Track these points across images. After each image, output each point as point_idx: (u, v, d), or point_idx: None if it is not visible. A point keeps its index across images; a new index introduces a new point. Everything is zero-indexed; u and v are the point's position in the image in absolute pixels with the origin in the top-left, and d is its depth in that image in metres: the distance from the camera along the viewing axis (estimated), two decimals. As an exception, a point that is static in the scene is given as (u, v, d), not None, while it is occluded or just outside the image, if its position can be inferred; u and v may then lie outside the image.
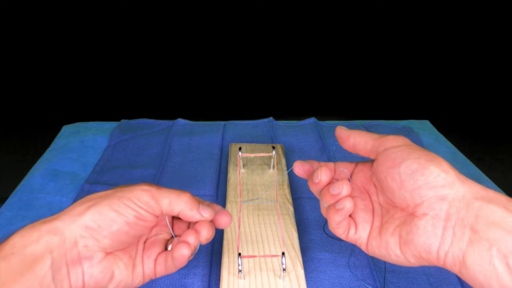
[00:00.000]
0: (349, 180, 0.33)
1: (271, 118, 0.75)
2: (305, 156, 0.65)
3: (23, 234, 0.27)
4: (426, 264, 0.28)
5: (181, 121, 0.74)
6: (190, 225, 0.35)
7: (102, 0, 1.55)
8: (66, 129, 0.74)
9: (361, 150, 0.33)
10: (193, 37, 1.65)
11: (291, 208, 0.49)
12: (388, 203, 0.31)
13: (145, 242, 0.33)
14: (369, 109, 1.61)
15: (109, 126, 0.73)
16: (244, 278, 0.39)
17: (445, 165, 0.28)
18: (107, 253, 0.30)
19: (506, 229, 0.24)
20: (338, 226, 0.32)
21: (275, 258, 0.41)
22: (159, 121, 0.75)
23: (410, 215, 0.29)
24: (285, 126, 0.74)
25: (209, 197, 0.55)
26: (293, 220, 0.47)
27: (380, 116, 0.80)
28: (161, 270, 0.32)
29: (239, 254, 0.38)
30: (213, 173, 0.59)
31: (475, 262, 0.25)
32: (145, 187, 0.31)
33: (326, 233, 0.49)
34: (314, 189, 0.34)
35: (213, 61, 1.69)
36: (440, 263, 0.27)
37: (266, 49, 1.68)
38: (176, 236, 0.34)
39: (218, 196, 0.55)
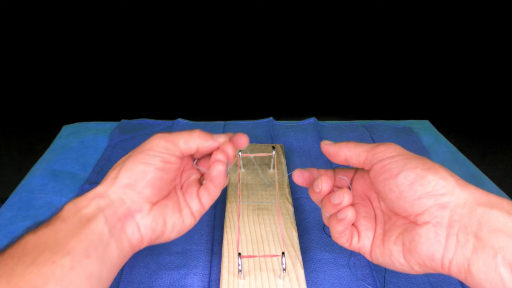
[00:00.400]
0: (349, 188, 0.32)
1: (271, 118, 0.75)
2: (305, 156, 0.65)
3: (75, 202, 0.30)
4: (431, 271, 0.28)
5: (181, 121, 0.74)
6: None
7: (102, 0, 1.55)
8: (66, 129, 0.74)
9: (354, 163, 0.32)
10: (193, 37, 1.65)
11: (291, 208, 0.49)
12: (389, 210, 0.31)
13: (181, 188, 0.36)
14: (369, 109, 1.61)
15: (109, 126, 0.73)
16: (244, 278, 0.39)
17: (443, 172, 0.28)
18: (153, 204, 0.33)
19: (510, 235, 0.24)
20: (341, 235, 0.32)
21: (275, 258, 0.41)
22: (159, 121, 0.75)
23: (412, 223, 0.28)
24: (285, 126, 0.74)
25: (209, 197, 0.55)
26: (293, 220, 0.47)
27: (380, 116, 0.80)
28: (206, 200, 0.35)
29: (239, 254, 0.38)
30: (213, 173, 0.59)
31: (480, 270, 0.24)
32: (158, 135, 0.34)
33: (326, 233, 0.49)
34: (315, 198, 0.34)
35: (213, 61, 1.69)
36: (445, 271, 0.27)
37: (266, 49, 1.68)
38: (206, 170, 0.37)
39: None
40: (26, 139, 1.49)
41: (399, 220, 0.30)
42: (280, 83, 1.70)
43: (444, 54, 1.70)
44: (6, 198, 0.57)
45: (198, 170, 0.38)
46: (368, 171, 0.31)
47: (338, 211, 0.31)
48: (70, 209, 0.30)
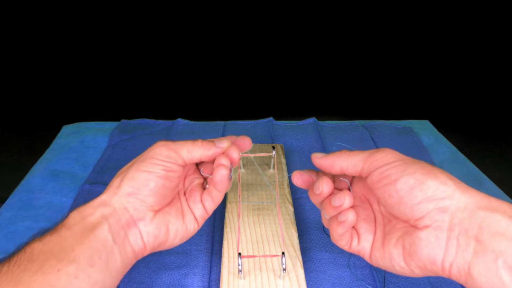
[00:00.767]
0: (349, 190, 0.32)
1: (271, 118, 0.75)
2: (305, 157, 0.65)
3: (79, 210, 0.31)
4: (432, 275, 0.28)
5: (181, 121, 0.74)
6: None
7: (102, 0, 1.55)
8: (66, 129, 0.74)
9: (351, 173, 0.32)
10: (193, 37, 1.65)
11: (291, 208, 0.49)
12: (389, 213, 0.31)
13: (185, 194, 0.36)
14: (369, 109, 1.61)
15: (109, 126, 0.73)
16: (244, 278, 0.39)
17: (443, 176, 0.27)
18: (156, 211, 0.33)
19: (511, 239, 0.24)
20: (341, 238, 0.32)
21: (275, 258, 0.41)
22: (159, 121, 0.75)
23: (412, 226, 0.28)
24: (285, 126, 0.74)
25: (209, 197, 0.55)
26: (293, 220, 0.47)
27: (380, 116, 0.80)
28: (210, 205, 0.36)
29: (239, 254, 0.38)
30: (213, 173, 0.59)
31: (481, 274, 0.24)
32: (161, 143, 0.34)
33: (326, 233, 0.48)
34: (315, 200, 0.34)
35: (213, 61, 1.69)
36: (445, 274, 0.27)
37: (266, 49, 1.68)
38: (209, 174, 0.37)
39: (218, 196, 0.55)
40: (26, 139, 1.49)
41: (399, 223, 0.30)
42: (280, 83, 1.70)
43: (444, 54, 1.70)
44: (6, 198, 0.57)
45: (201, 174, 0.38)
46: (365, 178, 0.31)
47: (339, 213, 0.31)
48: (75, 217, 0.30)
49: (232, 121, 0.75)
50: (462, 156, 0.68)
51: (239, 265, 0.38)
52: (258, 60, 1.69)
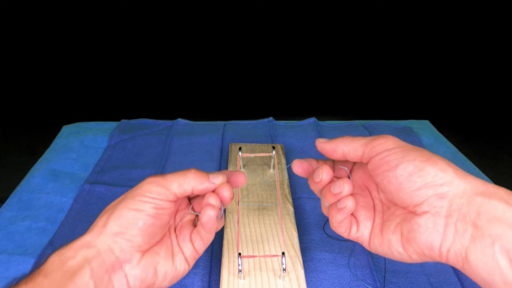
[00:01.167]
0: (349, 178, 0.32)
1: (271, 118, 0.75)
2: (305, 156, 0.64)
3: (60, 253, 0.28)
4: (429, 260, 0.28)
5: (181, 121, 0.74)
6: None
7: (102, 0, 1.55)
8: (66, 129, 0.74)
9: (352, 158, 0.32)
10: (193, 37, 1.65)
11: (291, 208, 0.49)
12: (388, 200, 0.31)
13: (175, 231, 0.34)
14: (369, 109, 1.61)
15: (109, 126, 0.73)
16: (244, 278, 0.39)
17: (442, 163, 0.28)
18: (144, 252, 0.31)
19: (508, 224, 0.24)
20: (340, 225, 0.32)
21: (275, 258, 0.41)
22: (159, 121, 0.75)
23: (410, 212, 0.29)
24: (285, 126, 0.74)
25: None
26: (293, 220, 0.47)
27: (380, 116, 0.80)
28: (199, 245, 0.33)
29: (239, 254, 0.38)
30: (213, 173, 0.59)
31: (478, 259, 0.25)
32: (150, 180, 0.32)
33: (326, 233, 0.49)
34: (315, 188, 0.34)
35: (213, 61, 1.69)
36: (443, 260, 0.27)
37: (266, 49, 1.68)
38: (198, 212, 0.35)
39: (218, 196, 0.55)
40: (26, 139, 1.49)
41: (398, 210, 0.30)
42: (280, 83, 1.70)
43: (444, 54, 1.70)
44: (6, 198, 0.57)
45: (191, 212, 0.35)
46: (366, 164, 0.31)
47: (338, 200, 0.31)
48: (54, 261, 0.28)
49: (232, 121, 0.75)
50: (462, 156, 0.68)
51: (239, 265, 0.38)
52: (258, 60, 1.69)
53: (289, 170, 0.59)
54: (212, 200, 0.32)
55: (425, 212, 0.27)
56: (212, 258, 0.45)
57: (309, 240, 0.47)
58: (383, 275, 0.43)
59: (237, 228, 0.45)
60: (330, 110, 1.53)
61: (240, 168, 0.56)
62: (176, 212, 0.35)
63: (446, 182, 0.27)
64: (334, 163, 0.36)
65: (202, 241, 0.33)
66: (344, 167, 0.35)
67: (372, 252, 0.32)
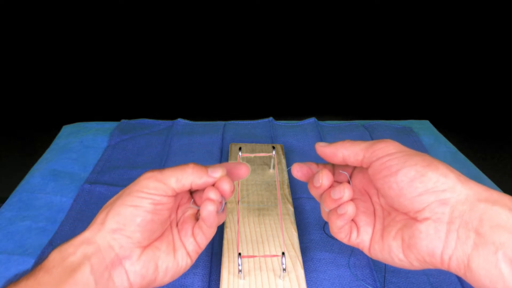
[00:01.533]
0: (349, 183, 0.32)
1: (271, 118, 0.75)
2: (305, 156, 0.65)
3: (60, 250, 0.28)
4: (430, 267, 0.28)
5: (181, 121, 0.74)
6: None
7: (102, 0, 1.55)
8: (66, 129, 0.74)
9: (352, 162, 0.32)
10: (193, 37, 1.65)
11: (291, 208, 0.49)
12: (389, 206, 0.31)
13: (177, 225, 0.34)
14: (369, 109, 1.61)
15: (109, 126, 0.73)
16: (244, 278, 0.39)
17: (443, 168, 0.27)
18: (144, 247, 0.31)
19: (511, 231, 0.24)
20: (340, 231, 0.32)
21: (275, 258, 0.41)
22: (159, 121, 0.75)
23: (411, 219, 0.28)
24: (285, 126, 0.74)
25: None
26: (293, 220, 0.47)
27: (380, 116, 0.80)
28: (201, 239, 0.33)
29: (239, 254, 0.39)
30: (213, 173, 0.59)
31: (480, 266, 0.24)
32: (148, 175, 0.31)
33: (326, 233, 0.49)
34: (315, 192, 0.34)
35: (213, 61, 1.68)
36: (444, 267, 0.27)
37: (266, 49, 1.68)
38: (199, 206, 0.34)
39: (218, 196, 0.55)
40: (26, 139, 1.49)
41: (399, 216, 0.30)
42: (280, 83, 1.70)
43: (444, 54, 1.70)
44: (6, 198, 0.57)
45: (191, 206, 0.35)
46: (366, 168, 0.31)
47: (338, 206, 0.31)
48: (55, 258, 0.28)
49: (232, 121, 0.75)
50: (462, 156, 0.68)
51: (239, 265, 0.38)
52: (258, 60, 1.69)
53: (289, 170, 0.59)
54: (212, 194, 0.31)
55: (426, 219, 0.27)
56: (212, 258, 0.45)
57: (309, 240, 0.47)
58: (383, 275, 0.43)
59: (237, 228, 0.45)
60: (330, 110, 1.53)
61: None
62: (178, 206, 0.34)
63: (448, 188, 0.26)
64: (334, 167, 0.35)
65: (204, 236, 0.33)
66: (344, 172, 0.34)
67: (373, 258, 0.32)
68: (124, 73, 1.67)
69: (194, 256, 0.33)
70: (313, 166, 0.35)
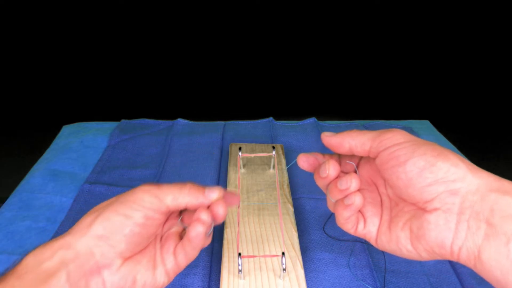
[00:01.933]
0: (356, 173, 0.31)
1: (271, 118, 0.75)
2: (305, 156, 0.65)
3: (36, 253, 0.27)
4: (439, 258, 0.27)
5: (181, 121, 0.74)
6: None
7: (102, 0, 1.55)
8: (66, 129, 0.74)
9: (359, 152, 0.31)
10: (193, 37, 1.65)
11: (291, 208, 0.49)
12: (396, 196, 0.30)
13: (161, 240, 0.33)
14: (369, 109, 1.61)
15: (109, 126, 0.73)
16: (244, 278, 0.39)
17: (454, 158, 0.27)
18: (126, 259, 0.30)
19: None
20: (347, 221, 0.31)
21: (275, 258, 0.41)
22: (159, 121, 0.75)
23: (420, 209, 0.28)
24: (285, 126, 0.74)
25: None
26: (293, 220, 0.47)
27: (380, 116, 0.80)
28: (182, 260, 0.32)
29: (239, 254, 0.39)
30: (213, 173, 0.59)
31: (491, 257, 0.24)
32: (145, 188, 0.30)
33: (326, 233, 0.48)
34: (321, 183, 0.33)
35: (213, 61, 1.68)
36: (454, 258, 0.26)
37: (266, 49, 1.68)
38: (187, 224, 0.33)
39: (218, 196, 0.55)
40: (26, 139, 1.49)
41: (407, 206, 0.29)
42: (280, 83, 1.70)
43: (444, 54, 1.70)
44: (6, 198, 0.57)
45: (179, 223, 0.34)
46: (373, 158, 0.30)
47: (345, 196, 0.30)
48: (29, 262, 0.26)
49: (232, 121, 0.75)
50: (462, 156, 0.68)
51: (239, 265, 0.38)
52: (258, 60, 1.69)
53: (289, 170, 0.59)
54: (204, 215, 0.31)
55: (436, 209, 0.26)
56: (212, 258, 0.45)
57: (309, 240, 0.47)
58: (383, 275, 0.43)
59: (237, 228, 0.45)
60: (330, 110, 1.53)
61: (240, 168, 0.56)
62: (165, 221, 0.33)
63: (458, 178, 0.26)
64: (340, 158, 0.34)
65: (185, 256, 0.32)
66: (351, 162, 0.33)
67: (380, 249, 0.31)
68: (124, 73, 1.67)
69: (172, 276, 0.32)
70: (319, 156, 0.34)
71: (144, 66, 1.67)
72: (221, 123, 0.74)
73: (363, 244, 0.47)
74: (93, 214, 0.29)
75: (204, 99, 1.65)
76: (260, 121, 0.75)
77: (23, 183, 0.60)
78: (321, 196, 0.54)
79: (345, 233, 0.43)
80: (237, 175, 0.55)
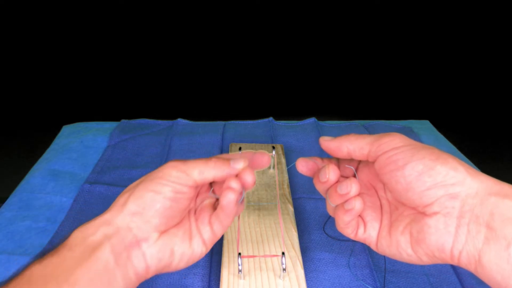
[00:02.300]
0: (355, 177, 0.31)
1: (271, 118, 0.75)
2: (305, 156, 0.65)
3: (81, 230, 0.29)
4: (439, 262, 0.27)
5: (181, 121, 0.74)
6: None
7: (102, 0, 1.55)
8: (66, 129, 0.74)
9: (358, 157, 0.31)
10: (193, 37, 1.65)
11: (291, 208, 0.49)
12: (396, 200, 0.30)
13: (195, 213, 0.34)
14: (369, 109, 1.61)
15: (109, 126, 0.73)
16: (244, 278, 0.39)
17: (453, 161, 0.27)
18: (162, 232, 0.31)
19: None
20: (347, 226, 0.31)
21: (275, 258, 0.41)
22: (159, 121, 0.75)
23: (420, 213, 0.28)
24: (285, 126, 0.74)
25: (209, 197, 0.55)
26: (293, 220, 0.47)
27: (380, 116, 0.80)
28: (217, 228, 0.33)
29: (239, 254, 0.39)
30: (213, 173, 0.59)
31: (492, 261, 0.24)
32: (172, 164, 0.32)
33: (326, 233, 0.49)
34: (320, 187, 0.33)
35: (213, 61, 1.68)
36: (454, 262, 0.26)
37: (266, 49, 1.68)
38: (218, 195, 0.34)
39: (218, 196, 0.55)
40: (26, 139, 1.49)
41: (407, 211, 0.29)
42: (280, 83, 1.70)
43: (443, 54, 1.70)
44: (6, 198, 0.57)
45: (210, 195, 0.35)
46: (372, 162, 0.30)
47: (345, 201, 0.30)
48: (77, 236, 0.29)
49: (232, 121, 0.75)
50: (462, 157, 0.68)
51: (239, 265, 0.38)
52: (258, 60, 1.69)
53: (289, 170, 0.59)
54: (233, 183, 0.31)
55: (435, 213, 0.26)
56: (212, 258, 0.45)
57: (309, 240, 0.47)
58: (383, 275, 0.43)
59: (237, 228, 0.45)
60: (330, 110, 1.53)
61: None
62: (197, 195, 0.35)
63: (457, 182, 0.26)
64: (339, 162, 0.35)
65: (220, 224, 0.33)
66: (350, 166, 0.33)
67: (380, 253, 0.31)
68: (124, 73, 1.67)
69: (210, 245, 0.33)
70: (318, 160, 0.34)
71: (144, 66, 1.67)
72: (221, 123, 0.74)
73: (363, 244, 0.47)
74: (127, 193, 0.31)
75: (204, 99, 1.65)
76: (260, 121, 0.75)
77: (23, 183, 0.60)
78: (321, 196, 0.53)
79: (345, 233, 0.43)
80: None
